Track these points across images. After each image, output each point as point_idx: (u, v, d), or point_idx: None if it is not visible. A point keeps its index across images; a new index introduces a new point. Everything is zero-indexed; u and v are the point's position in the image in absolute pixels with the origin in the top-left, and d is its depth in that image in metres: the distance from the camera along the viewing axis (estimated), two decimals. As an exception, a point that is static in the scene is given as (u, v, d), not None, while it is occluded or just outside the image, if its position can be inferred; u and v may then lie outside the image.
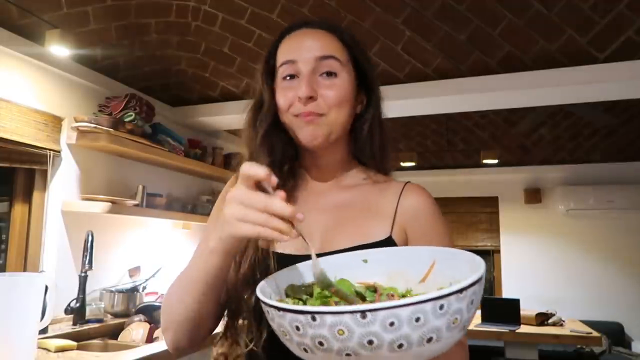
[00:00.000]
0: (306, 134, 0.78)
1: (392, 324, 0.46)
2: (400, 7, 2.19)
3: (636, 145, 4.08)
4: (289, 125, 0.80)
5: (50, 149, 2.21)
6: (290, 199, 0.81)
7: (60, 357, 1.63)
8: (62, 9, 2.05)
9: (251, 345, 0.76)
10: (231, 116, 3.03)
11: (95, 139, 2.26)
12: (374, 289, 0.65)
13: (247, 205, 0.57)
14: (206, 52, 2.68)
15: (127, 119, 2.40)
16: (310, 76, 0.78)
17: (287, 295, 0.65)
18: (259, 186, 0.60)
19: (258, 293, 0.57)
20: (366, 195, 0.83)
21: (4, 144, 2.00)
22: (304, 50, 0.79)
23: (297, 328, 0.49)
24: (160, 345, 1.85)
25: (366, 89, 0.85)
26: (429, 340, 0.48)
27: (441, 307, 0.48)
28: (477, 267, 0.54)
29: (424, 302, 0.47)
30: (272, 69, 0.83)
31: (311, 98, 0.76)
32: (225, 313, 0.80)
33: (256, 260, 0.76)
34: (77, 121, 2.27)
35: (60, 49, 2.08)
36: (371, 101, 0.85)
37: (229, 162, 3.41)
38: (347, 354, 0.48)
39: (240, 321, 0.78)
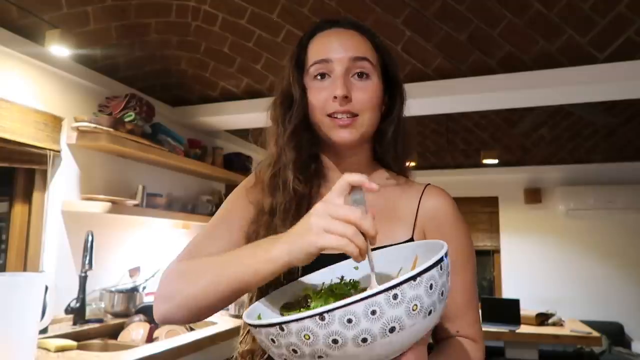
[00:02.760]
0: (339, 134, 0.78)
1: (349, 320, 0.49)
2: (400, 7, 2.19)
3: (636, 145, 4.08)
4: (319, 124, 0.80)
5: (50, 149, 2.21)
6: (315, 198, 0.82)
7: (60, 357, 1.63)
8: (62, 9, 2.05)
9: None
10: (231, 116, 3.03)
11: (95, 139, 2.26)
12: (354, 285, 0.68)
13: (336, 217, 0.57)
14: (206, 52, 2.68)
15: (127, 119, 2.40)
16: (344, 76, 0.78)
17: (282, 315, 0.67)
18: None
19: (244, 317, 0.60)
20: (388, 198, 0.83)
21: (4, 144, 2.00)
22: (338, 49, 0.79)
23: (273, 340, 0.53)
24: (160, 345, 1.85)
25: (391, 91, 0.85)
26: (392, 330, 0.50)
27: (395, 296, 0.49)
28: (437, 252, 0.55)
29: (376, 295, 0.49)
30: (302, 66, 0.83)
31: (346, 98, 0.77)
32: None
33: None
34: (77, 121, 2.26)
35: (60, 49, 2.08)
36: (396, 103, 0.85)
37: (229, 162, 3.41)
38: (319, 356, 0.51)
39: None
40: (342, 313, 0.49)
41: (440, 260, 0.54)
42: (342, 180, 0.60)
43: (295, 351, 0.52)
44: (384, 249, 0.73)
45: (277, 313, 0.68)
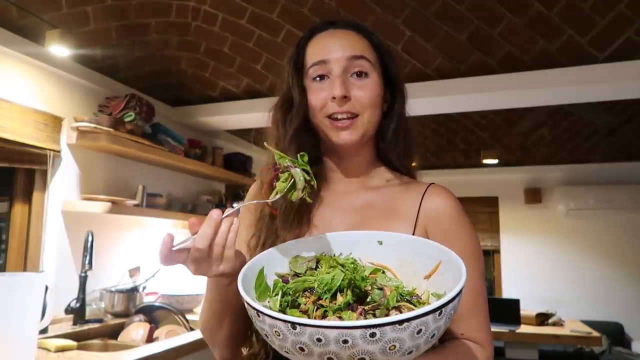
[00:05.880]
0: (340, 136, 0.78)
1: (319, 339, 0.49)
2: (400, 7, 2.19)
3: (636, 145, 4.08)
4: (320, 126, 0.80)
5: (50, 149, 2.21)
6: (316, 199, 0.83)
7: (60, 357, 1.63)
8: (62, 9, 2.05)
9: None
10: (231, 116, 3.03)
11: (95, 139, 2.26)
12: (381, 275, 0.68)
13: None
14: (206, 52, 2.68)
15: (127, 119, 2.40)
16: (342, 76, 0.78)
17: (289, 267, 0.70)
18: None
19: (243, 270, 0.64)
20: (389, 196, 0.83)
21: (4, 144, 2.00)
22: (335, 50, 0.79)
23: (252, 316, 0.57)
24: (160, 345, 1.85)
25: (392, 89, 0.85)
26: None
27: (372, 334, 0.48)
28: (458, 280, 0.56)
29: (352, 329, 0.48)
30: (301, 68, 0.83)
31: (345, 98, 0.77)
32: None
33: None
34: (77, 121, 2.26)
35: (60, 49, 2.08)
36: (396, 101, 0.85)
37: (229, 162, 3.41)
38: (286, 351, 0.54)
39: None
40: (314, 331, 0.49)
41: (444, 305, 0.50)
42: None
43: (267, 336, 0.55)
44: (413, 237, 0.71)
45: (285, 266, 0.69)
